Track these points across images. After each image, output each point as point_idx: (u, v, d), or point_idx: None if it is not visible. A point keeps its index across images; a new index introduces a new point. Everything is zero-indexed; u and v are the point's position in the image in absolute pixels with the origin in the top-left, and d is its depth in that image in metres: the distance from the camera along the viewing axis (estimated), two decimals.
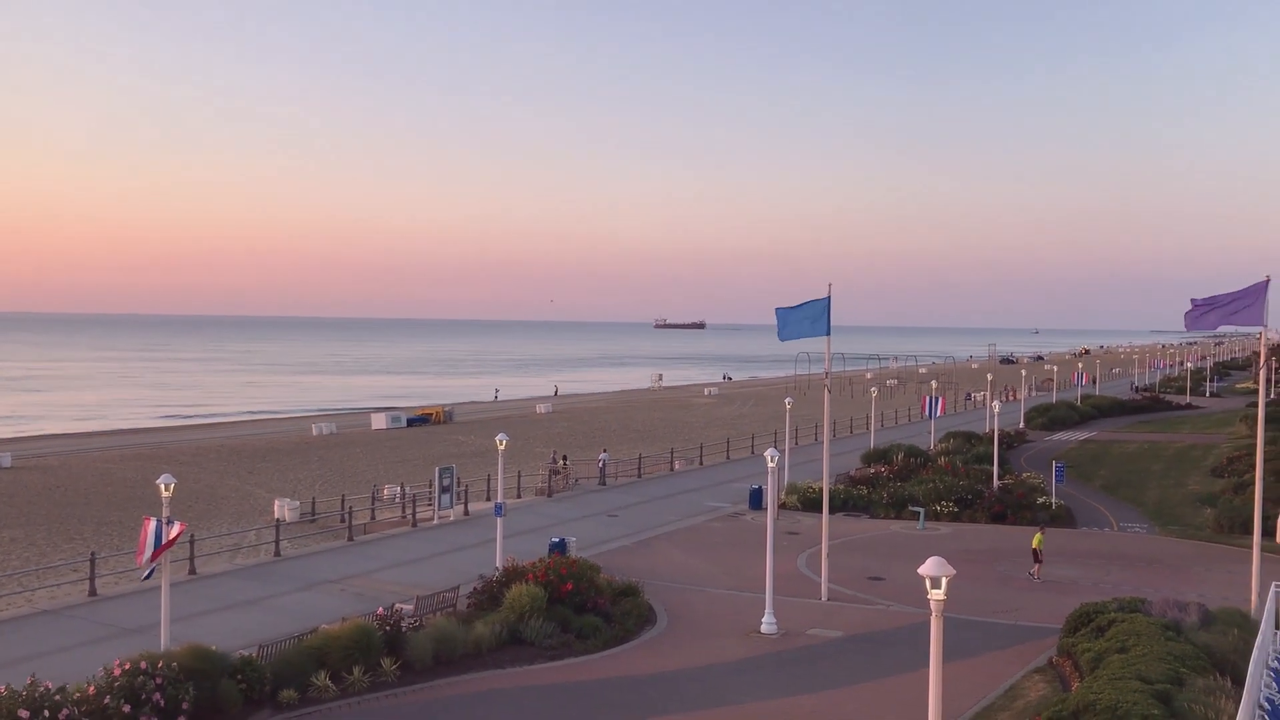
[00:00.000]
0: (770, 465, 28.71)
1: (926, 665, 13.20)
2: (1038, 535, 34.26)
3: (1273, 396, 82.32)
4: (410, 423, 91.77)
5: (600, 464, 53.93)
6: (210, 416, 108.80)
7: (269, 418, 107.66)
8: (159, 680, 19.06)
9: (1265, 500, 28.65)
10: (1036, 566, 33.28)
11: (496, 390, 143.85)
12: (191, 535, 32.96)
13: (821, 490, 34.14)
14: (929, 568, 12.70)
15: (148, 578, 22.53)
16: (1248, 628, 23.49)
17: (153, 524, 21.01)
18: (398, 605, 25.87)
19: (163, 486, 22.24)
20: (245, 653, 21.78)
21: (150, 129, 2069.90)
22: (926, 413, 66.87)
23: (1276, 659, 21.27)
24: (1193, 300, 27.96)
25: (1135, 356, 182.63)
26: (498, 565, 29.81)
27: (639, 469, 56.30)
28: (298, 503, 47.47)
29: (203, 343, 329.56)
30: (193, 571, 32.30)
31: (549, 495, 48.63)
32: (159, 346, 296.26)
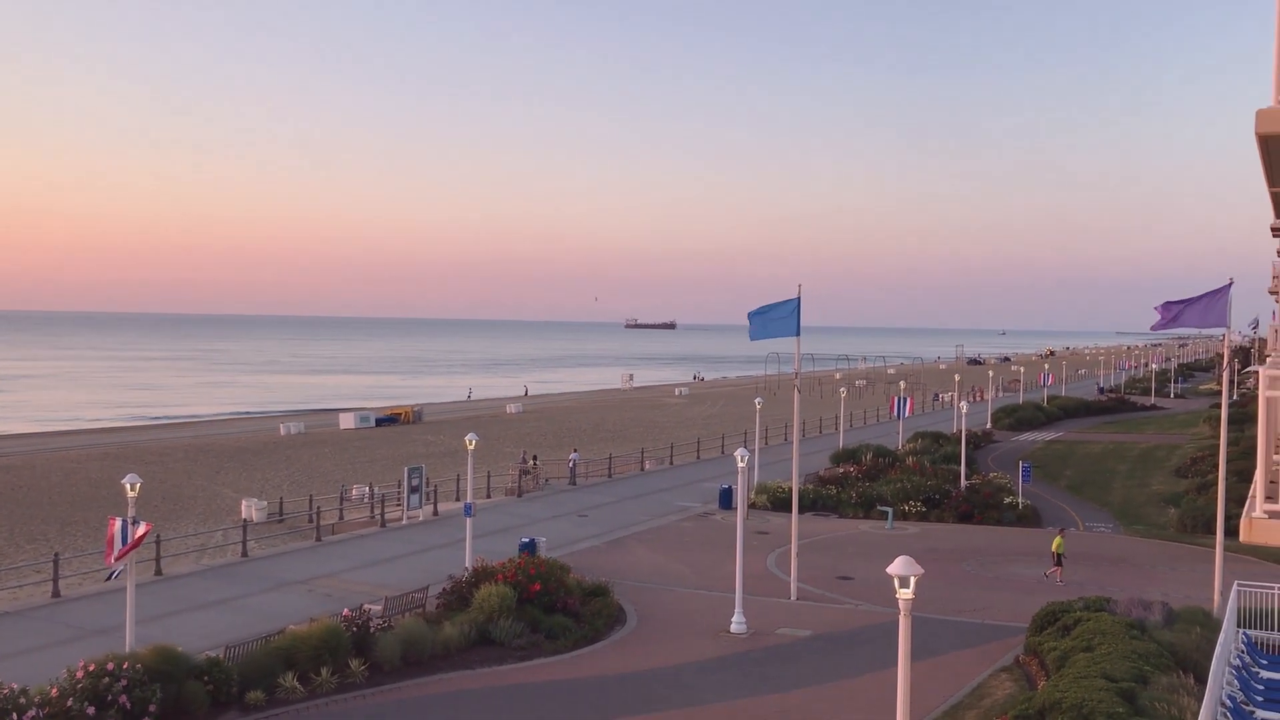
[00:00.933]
0: (740, 465, 28.79)
1: (895, 664, 13.28)
2: (1057, 539, 33.67)
3: (1235, 398, 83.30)
4: (379, 422, 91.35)
5: (570, 464, 53.89)
6: (176, 417, 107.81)
7: (236, 417, 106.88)
8: (124, 682, 18.88)
9: (1228, 500, 29.01)
10: (1058, 570, 32.78)
11: (470, 389, 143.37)
12: (157, 535, 32.67)
13: (791, 490, 34.25)
14: (897, 567, 12.77)
15: (112, 578, 22.33)
16: (1210, 626, 23.79)
17: (118, 524, 20.82)
18: (366, 606, 25.74)
19: (128, 486, 22.03)
20: (212, 654, 21.62)
21: (117, 122, 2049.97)
22: (895, 413, 67.25)
23: (1238, 657, 21.57)
24: (1158, 308, 28.32)
25: (1100, 358, 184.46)
26: (467, 565, 29.71)
27: (609, 469, 56.31)
28: (265, 503, 47.15)
29: (166, 341, 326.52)
30: (159, 572, 32.02)
31: (519, 495, 48.54)
32: (122, 346, 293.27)
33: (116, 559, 20.95)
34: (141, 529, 20.85)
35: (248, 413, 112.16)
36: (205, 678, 20.43)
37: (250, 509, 45.46)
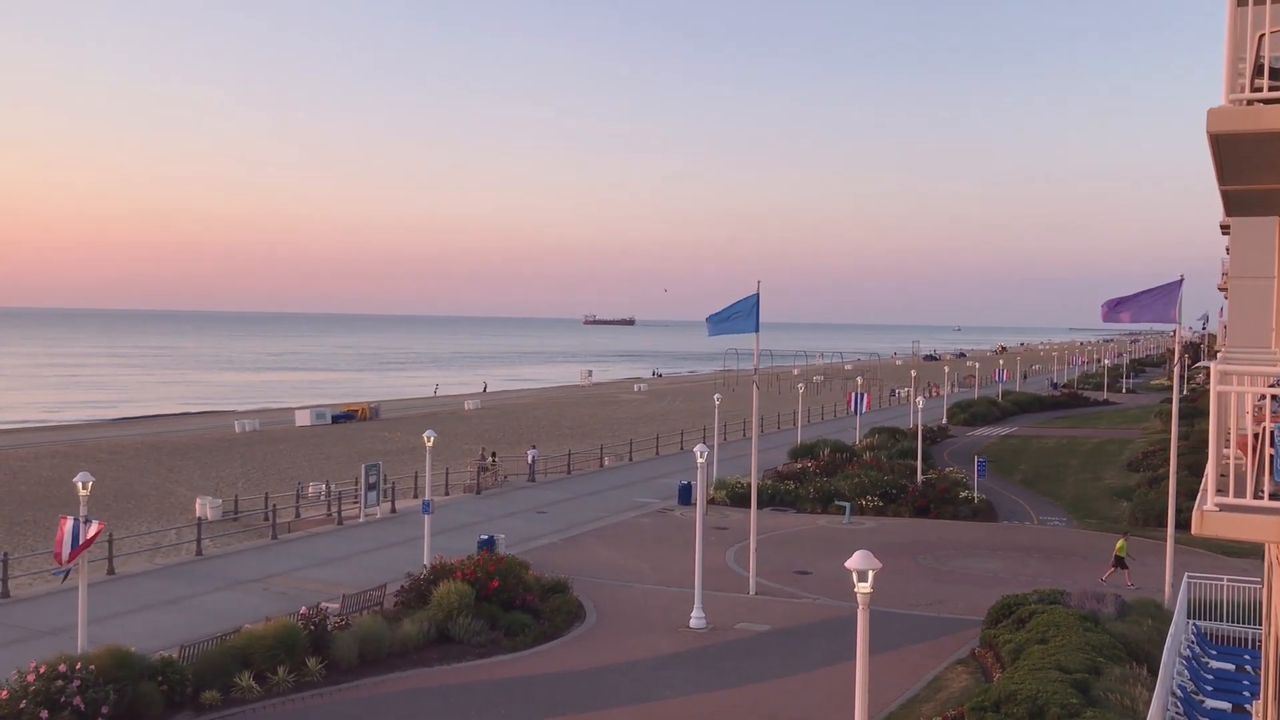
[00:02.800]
0: (699, 461, 28.86)
1: (853, 658, 13.37)
2: (1120, 542, 32.47)
3: (1186, 392, 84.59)
4: (335, 419, 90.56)
5: (529, 460, 53.77)
6: (129, 414, 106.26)
7: (190, 414, 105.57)
8: (77, 683, 18.61)
9: (1179, 493, 29.44)
10: (1125, 573, 31.44)
11: (436, 385, 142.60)
12: (110, 534, 32.23)
13: (750, 485, 34.39)
14: (855, 561, 12.86)
15: (62, 576, 21.98)
16: (1161, 617, 24.18)
17: (69, 523, 20.51)
18: (323, 604, 25.54)
19: (80, 484, 21.70)
20: (166, 654, 21.38)
21: (53, 117, 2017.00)
22: (852, 408, 67.70)
23: (1188, 647, 21.93)
24: (1106, 303, 28.67)
25: (1054, 353, 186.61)
26: (425, 563, 29.58)
27: (568, 465, 56.24)
28: (220, 501, 46.59)
29: (117, 338, 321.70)
30: (111, 571, 31.59)
31: (477, 492, 48.36)
32: (68, 342, 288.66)
33: (68, 560, 20.63)
34: (94, 528, 20.56)
35: (202, 410, 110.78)
36: (159, 678, 20.19)
37: (205, 507, 44.92)
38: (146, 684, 19.91)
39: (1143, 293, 28.14)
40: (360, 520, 40.86)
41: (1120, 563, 31.87)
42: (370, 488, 41.53)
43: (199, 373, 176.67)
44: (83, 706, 18.47)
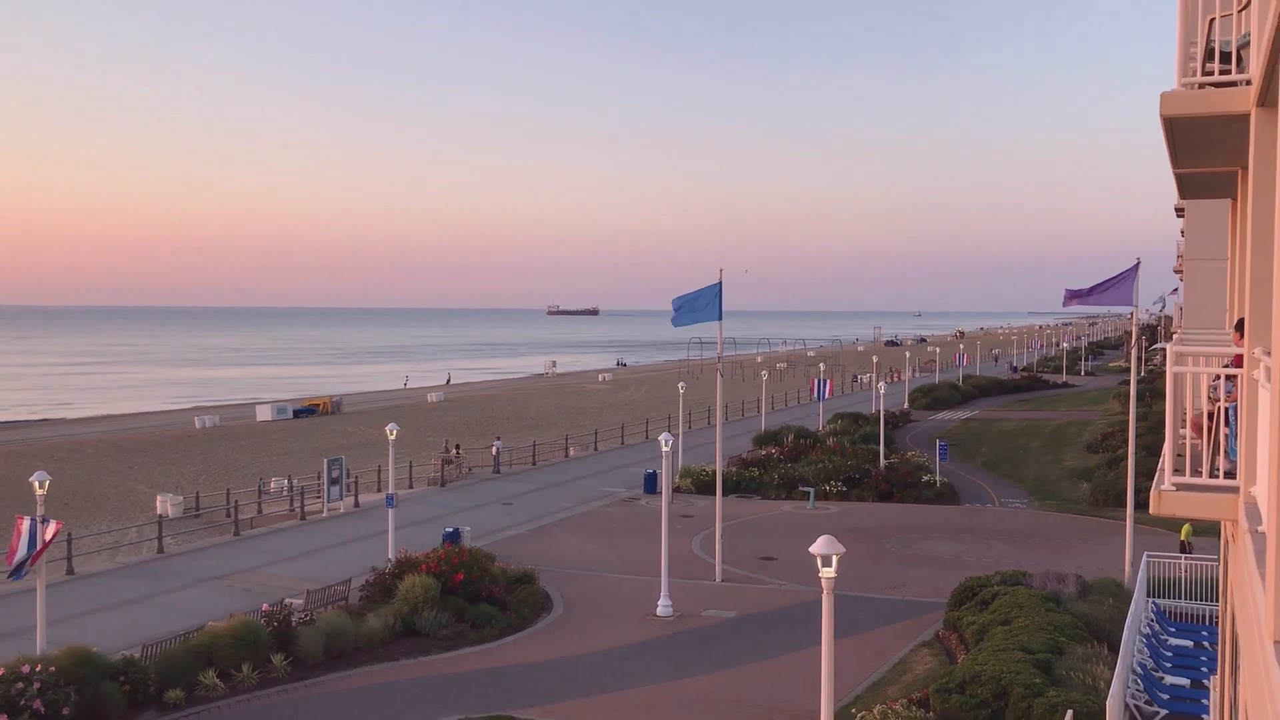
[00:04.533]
0: (664, 449, 28.90)
1: (819, 642, 13.44)
2: (1186, 526, 31.61)
3: (1143, 374, 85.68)
4: (297, 414, 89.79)
5: (494, 452, 53.61)
6: (86, 412, 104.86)
7: (149, 411, 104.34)
8: (38, 685, 18.37)
9: (1137, 474, 29.82)
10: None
11: (407, 378, 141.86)
12: (69, 534, 31.81)
13: (715, 473, 34.47)
14: (819, 546, 12.91)
15: (17, 576, 21.62)
16: (1122, 596, 24.51)
17: (26, 523, 20.22)
18: (287, 600, 25.37)
19: (37, 484, 21.41)
20: (128, 653, 21.16)
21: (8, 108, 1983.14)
22: (815, 395, 67.98)
23: (1148, 625, 22.22)
24: (1068, 292, 29.03)
25: (1014, 337, 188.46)
26: (390, 557, 29.44)
27: (533, 456, 56.14)
28: (181, 498, 46.09)
29: (69, 335, 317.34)
30: (70, 571, 31.20)
31: (442, 485, 48.17)
32: (20, 339, 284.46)
33: (30, 563, 20.32)
34: (51, 528, 20.28)
35: (162, 408, 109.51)
36: (121, 678, 19.98)
37: (165, 504, 44.42)
38: (108, 684, 19.70)
39: (1102, 280, 28.56)
40: (323, 515, 40.59)
41: (1185, 547, 30.93)
42: (333, 482, 41.26)
43: (158, 369, 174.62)
44: (43, 709, 18.24)
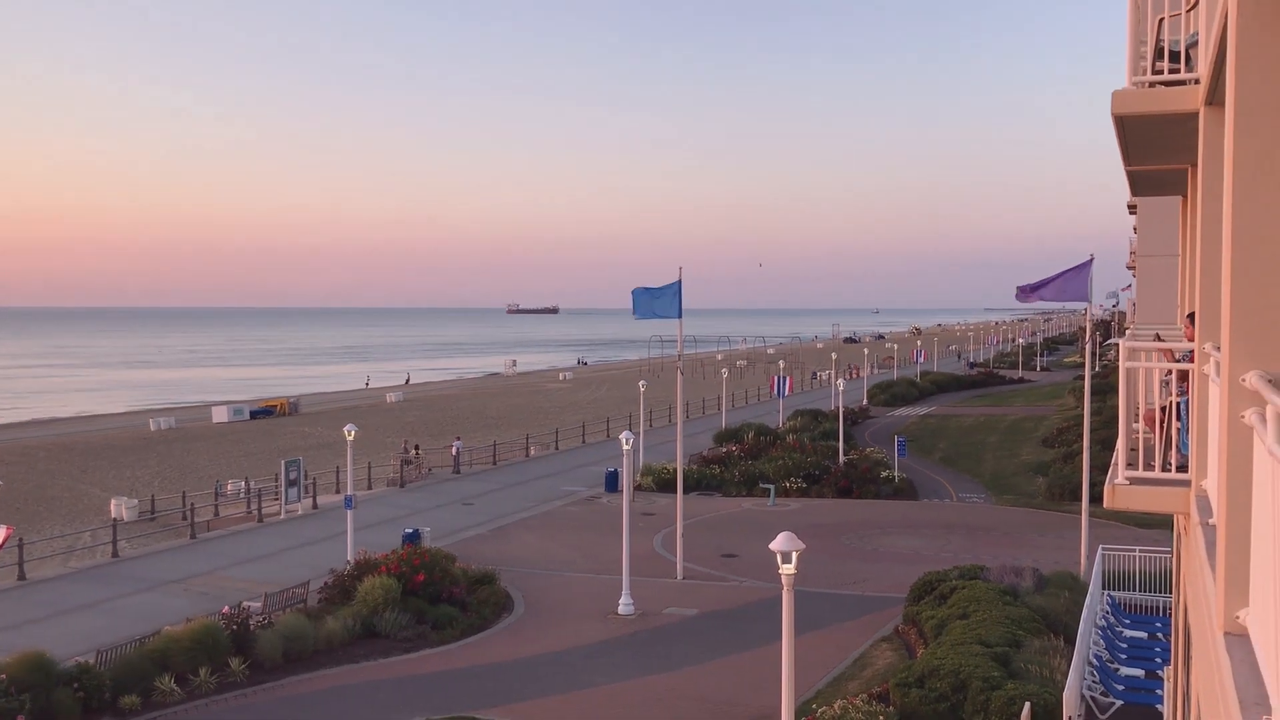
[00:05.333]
0: (625, 448, 28.91)
1: (780, 639, 13.49)
2: None
3: (1097, 369, 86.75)
4: (254, 415, 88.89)
5: (454, 452, 53.37)
6: (39, 415, 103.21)
7: (102, 413, 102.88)
8: None
9: (1092, 468, 30.17)
10: None
11: (368, 377, 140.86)
12: (20, 539, 31.30)
13: (676, 471, 34.52)
14: (779, 543, 12.96)
15: None
16: (1078, 589, 24.80)
17: None
18: (245, 603, 25.12)
19: None
20: (82, 659, 20.88)
21: None
22: (775, 392, 68.28)
23: (1103, 617, 22.50)
24: (1020, 287, 29.29)
25: (970, 333, 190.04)
26: (349, 558, 29.22)
27: (494, 456, 55.95)
28: (136, 501, 45.48)
29: (20, 337, 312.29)
30: (22, 577, 30.72)
31: (401, 486, 47.91)
32: None
33: None
34: (2, 534, 19.98)
35: (116, 410, 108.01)
36: (75, 684, 19.71)
37: (120, 508, 43.82)
38: (62, 690, 19.42)
39: (1055, 276, 28.78)
40: (281, 517, 40.23)
41: None
42: (291, 484, 40.90)
43: (110, 371, 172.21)
44: None
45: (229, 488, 47.65)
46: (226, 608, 23.95)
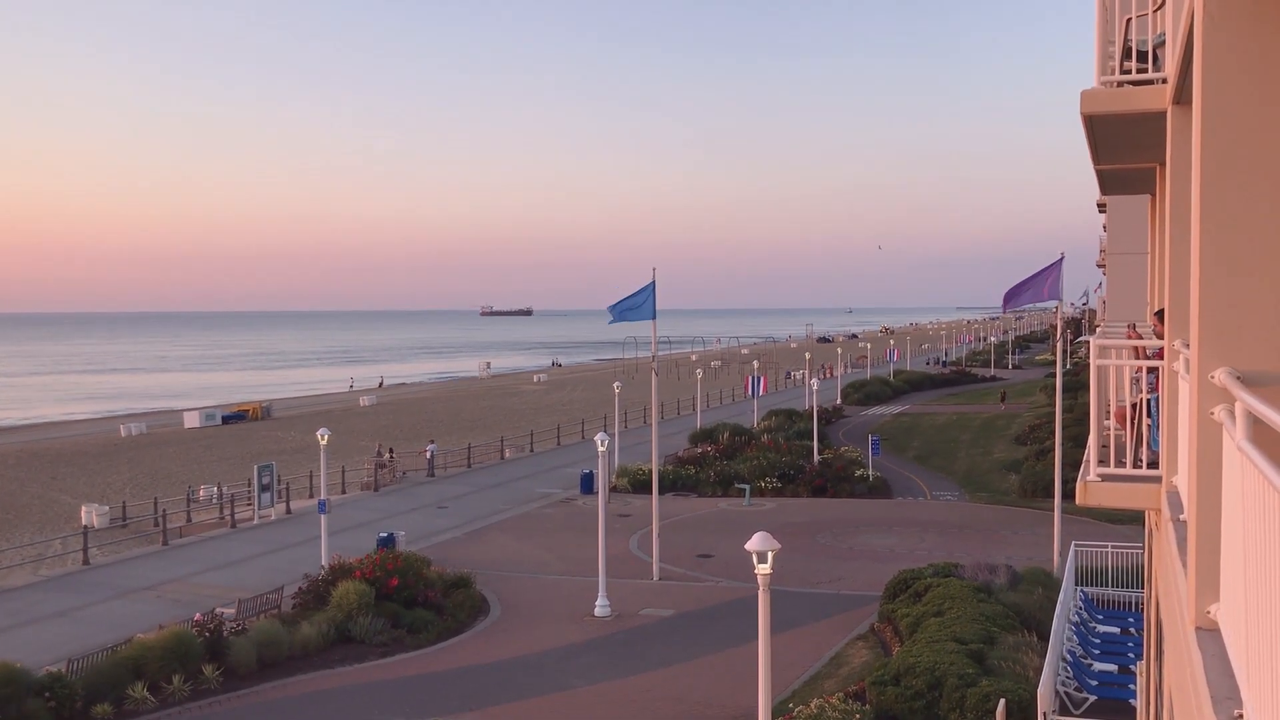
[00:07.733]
0: (600, 449, 28.89)
1: (755, 638, 13.51)
2: None
3: (1069, 367, 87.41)
4: (226, 420, 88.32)
5: (429, 455, 53.18)
6: (5, 422, 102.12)
7: (72, 419, 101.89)
8: None
9: (1064, 465, 30.41)
10: None
11: (351, 380, 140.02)
12: None
13: (651, 472, 34.53)
14: (755, 543, 12.99)
15: None
16: (1051, 585, 24.97)
17: None
18: (218, 609, 24.93)
19: None
20: (54, 668, 20.66)
21: None
22: (749, 392, 68.43)
23: (1076, 613, 22.66)
24: (1005, 295, 29.58)
25: (943, 332, 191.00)
26: (323, 563, 29.06)
27: (469, 459, 55.78)
28: (107, 507, 45.06)
29: None
30: None
31: (375, 489, 47.67)
32: None
33: None
34: None
35: (86, 416, 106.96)
36: (47, 694, 19.50)
37: (91, 514, 43.41)
38: (33, 700, 19.21)
39: (1030, 278, 29.07)
40: (254, 522, 39.96)
41: None
42: (264, 489, 40.64)
43: (81, 376, 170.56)
44: None
45: (201, 493, 47.29)
46: (200, 614, 23.76)
